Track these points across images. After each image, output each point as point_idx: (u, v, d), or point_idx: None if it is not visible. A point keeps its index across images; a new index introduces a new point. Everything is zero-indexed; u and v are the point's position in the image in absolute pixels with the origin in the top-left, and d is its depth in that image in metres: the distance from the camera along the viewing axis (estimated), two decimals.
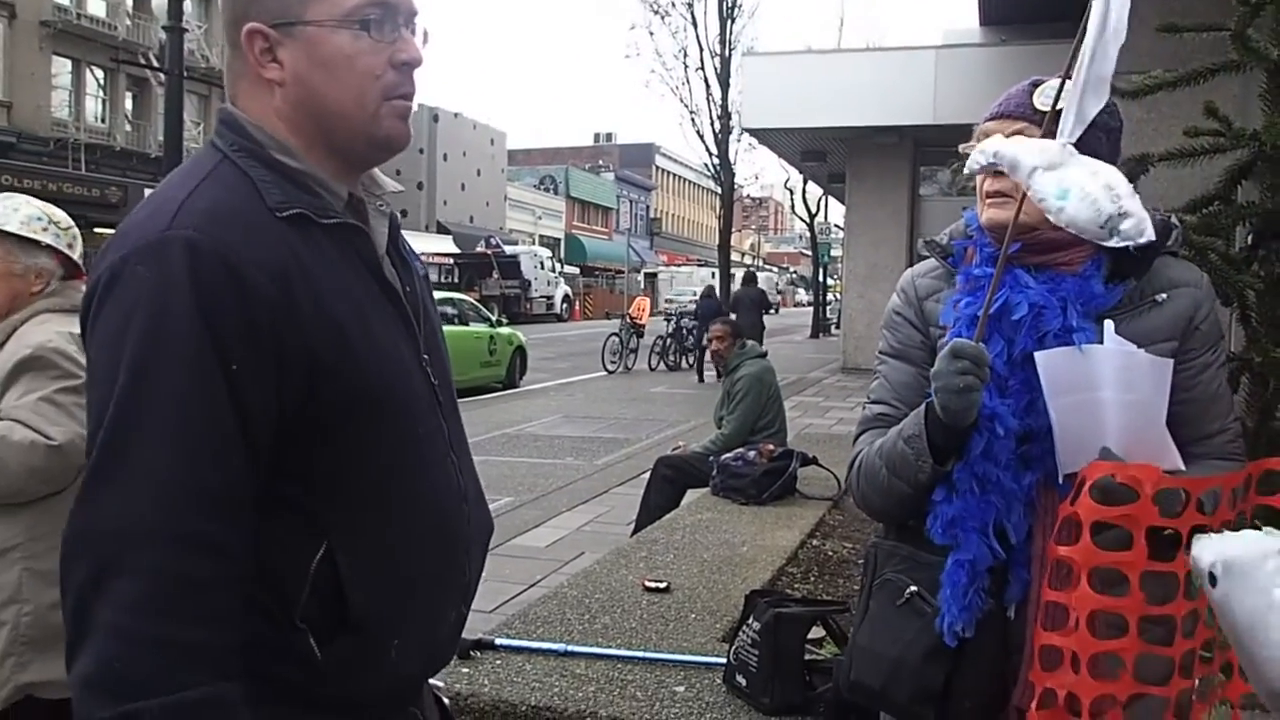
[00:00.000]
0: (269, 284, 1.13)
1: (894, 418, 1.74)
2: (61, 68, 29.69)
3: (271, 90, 1.24)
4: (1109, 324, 1.56)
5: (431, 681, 1.47)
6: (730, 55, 24.08)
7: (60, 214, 2.40)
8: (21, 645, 2.12)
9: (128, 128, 31.48)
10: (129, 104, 32.05)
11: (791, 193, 38.27)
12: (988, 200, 1.67)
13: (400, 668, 1.26)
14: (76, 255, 2.37)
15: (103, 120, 31.18)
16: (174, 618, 1.05)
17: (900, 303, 1.84)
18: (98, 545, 1.06)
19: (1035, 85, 1.69)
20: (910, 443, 1.63)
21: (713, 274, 36.37)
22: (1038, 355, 1.56)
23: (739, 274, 21.91)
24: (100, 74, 30.76)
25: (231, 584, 1.10)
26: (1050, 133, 1.60)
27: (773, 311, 21.90)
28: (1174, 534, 1.47)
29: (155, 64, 21.41)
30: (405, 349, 1.29)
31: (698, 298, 21.01)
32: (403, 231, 1.43)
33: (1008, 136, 1.65)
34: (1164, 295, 1.64)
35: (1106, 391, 1.53)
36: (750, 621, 2.78)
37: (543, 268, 43.13)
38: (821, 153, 19.84)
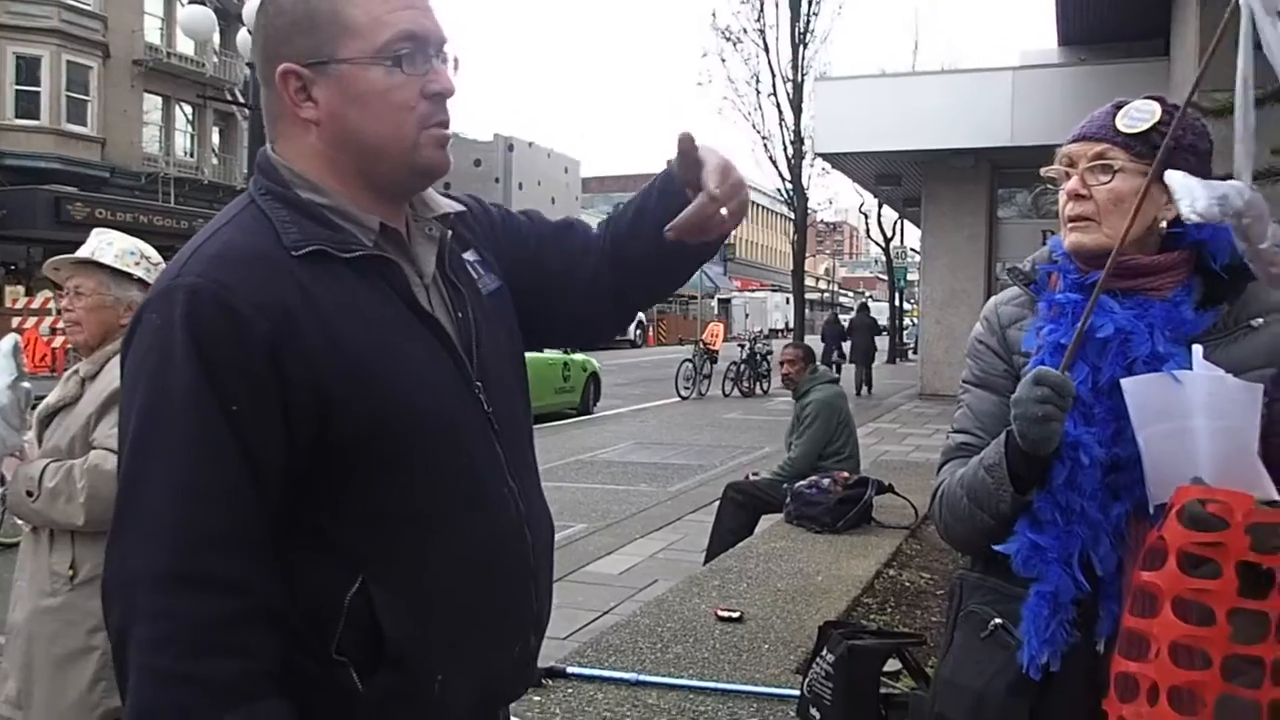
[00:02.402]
0: (266, 322, 1.14)
1: (977, 447, 1.70)
2: (152, 105, 30.78)
3: (308, 129, 1.26)
4: (1198, 349, 1.50)
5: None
6: (803, 80, 23.95)
7: (151, 250, 2.48)
8: (111, 671, 2.16)
9: (214, 161, 32.48)
10: (215, 138, 33.09)
11: (866, 217, 37.97)
12: (1070, 224, 1.63)
13: (447, 701, 1.24)
14: None
15: (191, 154, 32.21)
16: (186, 655, 1.08)
17: (983, 331, 1.80)
18: (122, 588, 1.12)
19: (1119, 107, 1.64)
20: (991, 471, 1.59)
21: (787, 299, 36.21)
22: (1125, 382, 1.51)
23: (809, 299, 21.81)
24: (189, 110, 31.82)
25: (250, 618, 1.11)
26: (1140, 154, 1.56)
27: (883, 335, 23.25)
28: (1268, 572, 1.40)
29: (240, 99, 22.09)
30: (443, 375, 1.27)
31: (826, 321, 23.54)
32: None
33: (1090, 160, 1.61)
34: (1260, 320, 1.58)
35: (1197, 419, 1.46)
36: (824, 653, 2.73)
37: None
38: (896, 176, 19.65)
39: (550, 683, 3.05)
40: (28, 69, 26.71)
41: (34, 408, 2.46)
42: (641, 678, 3.08)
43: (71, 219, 23.63)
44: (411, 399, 1.22)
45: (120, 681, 1.11)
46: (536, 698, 2.94)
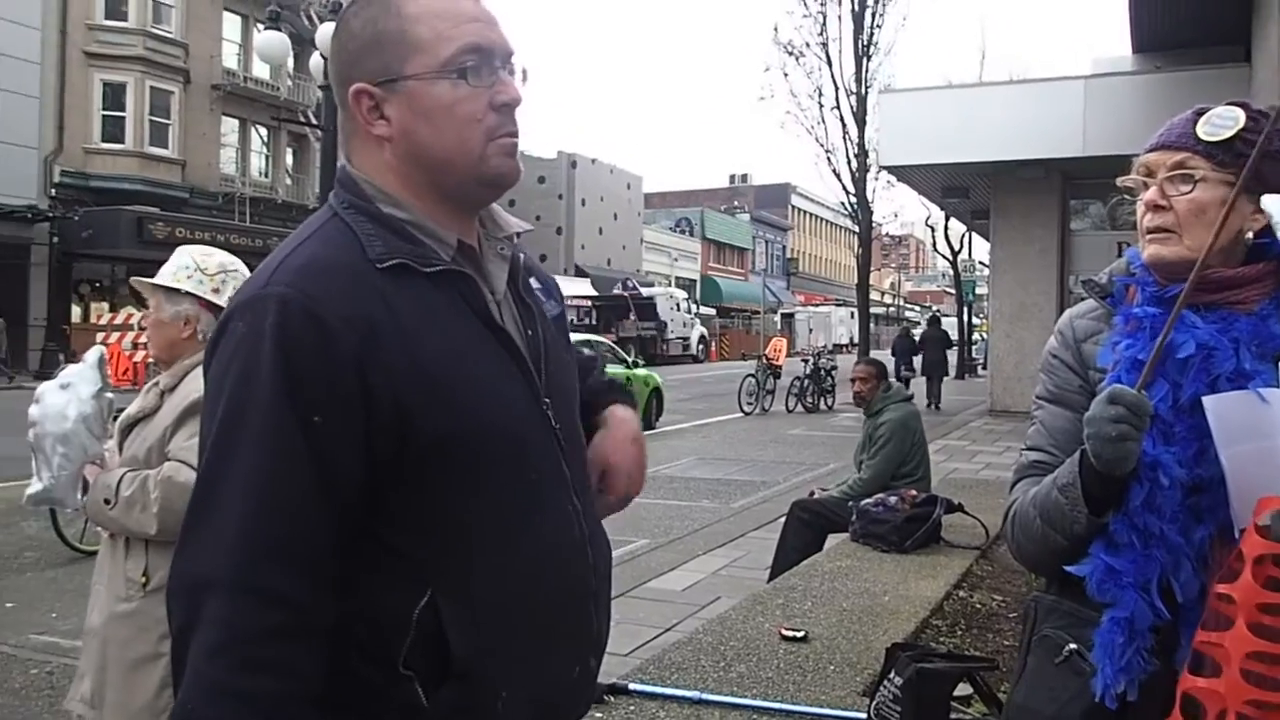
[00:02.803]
0: (354, 335, 1.15)
1: (1051, 466, 1.65)
2: (230, 127, 31.62)
3: (381, 145, 1.28)
4: None
5: None
6: (866, 93, 23.80)
7: (214, 261, 2.52)
8: None
9: (288, 181, 33.23)
10: (289, 159, 33.86)
11: (933, 230, 37.53)
12: (1149, 236, 1.58)
13: (509, 719, 1.23)
14: (223, 300, 2.48)
15: (266, 175, 33.00)
16: (238, 668, 1.08)
17: (1058, 345, 1.75)
18: (187, 591, 1.13)
19: (1199, 114, 1.59)
20: (1065, 492, 1.54)
21: (852, 314, 35.89)
22: (1207, 400, 1.45)
23: (880, 314, 21.72)
24: (264, 132, 32.60)
25: (303, 634, 1.12)
26: (1223, 163, 1.51)
27: (953, 348, 23.66)
28: None
29: (313, 121, 22.57)
30: (516, 392, 1.28)
31: (897, 336, 23.63)
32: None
33: (1169, 169, 1.56)
34: None
35: None
36: (891, 676, 2.67)
37: (679, 309, 43.38)
38: (963, 189, 19.39)
39: (613, 699, 3.03)
40: (113, 95, 27.64)
41: (116, 418, 2.53)
42: (704, 696, 3.05)
43: (153, 238, 24.36)
44: (487, 414, 1.23)
45: (176, 676, 1.13)
46: (599, 715, 2.93)
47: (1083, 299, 1.75)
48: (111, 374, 4.41)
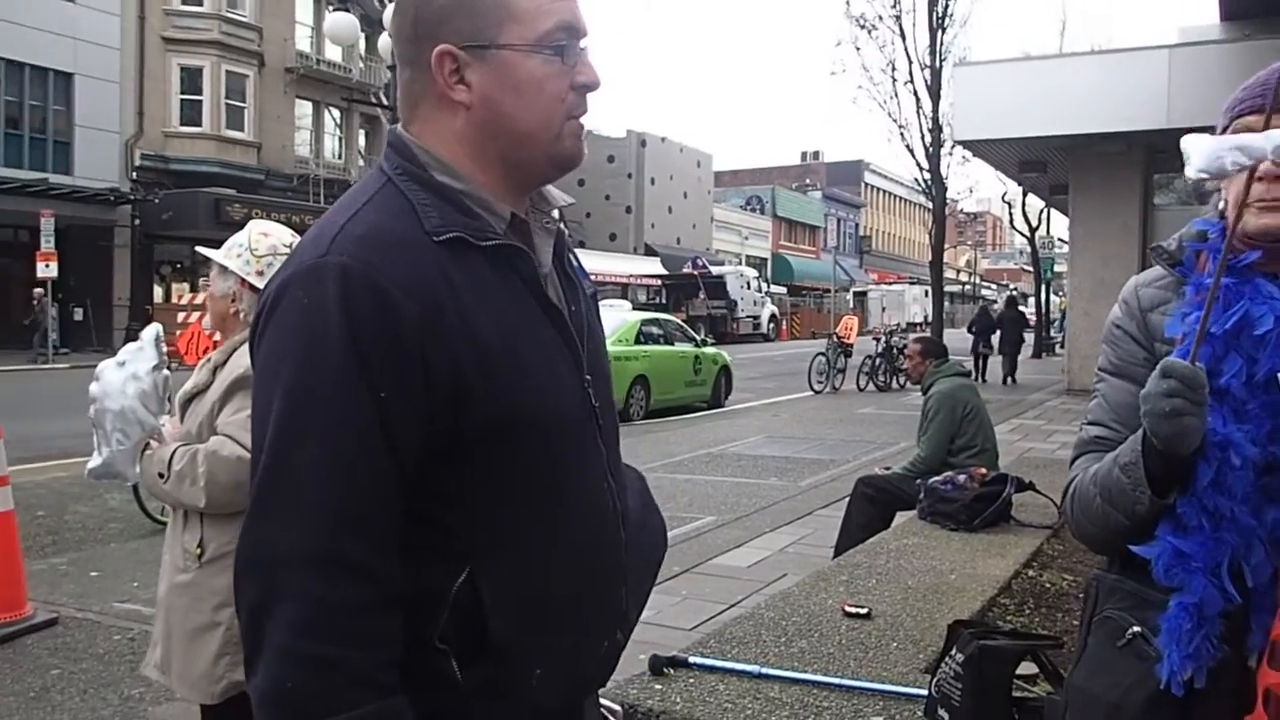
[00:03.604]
0: (417, 309, 1.13)
1: (1113, 441, 1.59)
2: (303, 110, 32.17)
3: (455, 111, 1.24)
4: None
5: (604, 703, 1.44)
6: (941, 66, 23.34)
7: (267, 243, 2.51)
8: (235, 645, 2.25)
9: (360, 162, 33.72)
10: (362, 140, 34.35)
11: (1010, 206, 36.76)
12: (1262, 204, 1.48)
13: (541, 698, 1.23)
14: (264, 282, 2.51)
15: (339, 156, 33.53)
16: (336, 640, 1.07)
17: (1121, 315, 1.69)
18: (262, 568, 1.10)
19: None
20: (1127, 471, 1.48)
21: (926, 292, 35.34)
22: None
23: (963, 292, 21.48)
24: (336, 114, 33.13)
25: (387, 604, 1.11)
26: None
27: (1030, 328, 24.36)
28: None
29: (384, 102, 22.84)
30: (564, 370, 1.27)
31: (976, 314, 24.27)
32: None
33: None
34: None
35: None
36: (953, 653, 2.63)
37: (749, 287, 43.17)
38: (1041, 163, 18.93)
39: (672, 672, 3.04)
40: (190, 79, 28.30)
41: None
42: (764, 670, 3.04)
43: (230, 219, 24.97)
44: (539, 394, 1.22)
45: (250, 656, 1.10)
46: (658, 686, 2.94)
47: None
48: (191, 353, 4.51)
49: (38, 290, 22.60)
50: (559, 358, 1.26)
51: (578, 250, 1.49)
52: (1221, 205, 1.59)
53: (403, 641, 1.13)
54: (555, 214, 1.37)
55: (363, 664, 1.08)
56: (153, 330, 2.49)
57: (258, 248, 2.49)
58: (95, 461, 2.43)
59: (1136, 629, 1.54)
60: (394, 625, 1.12)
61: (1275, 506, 1.42)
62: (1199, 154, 1.42)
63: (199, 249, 2.66)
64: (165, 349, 2.49)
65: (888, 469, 6.36)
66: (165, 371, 2.47)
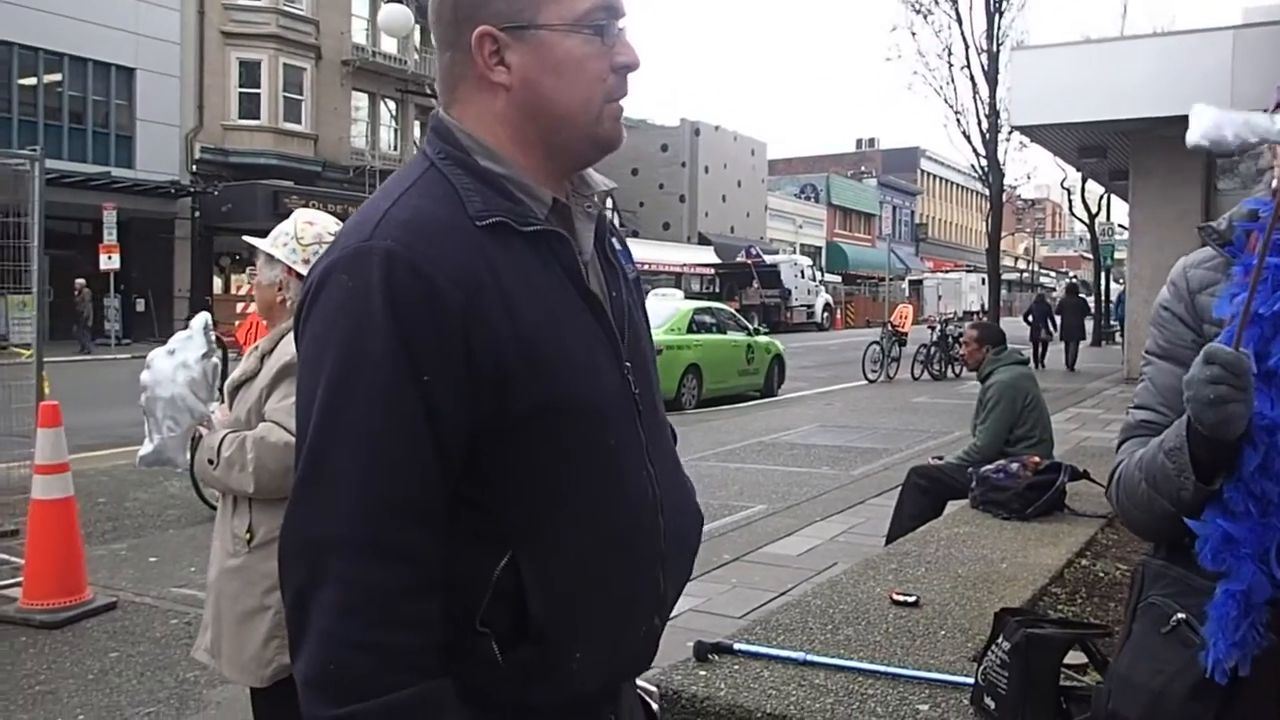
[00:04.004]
0: (461, 294, 1.13)
1: (1159, 425, 1.57)
2: (360, 101, 32.55)
3: (495, 93, 1.24)
4: None
5: (640, 684, 1.45)
6: (998, 51, 23.00)
7: (312, 231, 2.54)
8: (284, 629, 2.29)
9: (416, 153, 34.02)
10: (416, 131, 34.64)
11: (1069, 192, 36.11)
12: None
13: (579, 681, 1.23)
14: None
15: (394, 148, 33.86)
16: (379, 623, 1.08)
17: (1170, 296, 1.66)
18: (306, 552, 1.11)
19: None
20: (1171, 456, 1.46)
21: (983, 280, 34.87)
22: None
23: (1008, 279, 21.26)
24: (392, 106, 33.46)
25: (430, 587, 1.12)
26: None
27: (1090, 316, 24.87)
28: None
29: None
30: (602, 357, 1.27)
31: (1035, 300, 24.87)
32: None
33: None
34: None
35: None
36: (1000, 641, 2.60)
37: (803, 276, 42.90)
38: (1101, 148, 18.56)
39: (716, 658, 3.04)
40: (249, 73, 28.76)
41: (223, 381, 2.64)
42: (810, 657, 3.02)
43: (288, 211, 24.97)
44: (580, 382, 1.22)
45: (294, 640, 1.12)
46: (702, 672, 2.94)
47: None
48: (250, 342, 4.60)
49: (79, 281, 22.99)
50: (597, 344, 1.26)
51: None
52: (1276, 184, 1.56)
53: (444, 625, 1.14)
54: (596, 198, 1.36)
55: (406, 647, 1.09)
56: (201, 319, 2.54)
57: (303, 236, 2.52)
58: (146, 449, 2.47)
59: (1181, 615, 1.52)
60: (437, 609, 1.13)
61: None
62: (1202, 123, 1.40)
63: (245, 237, 2.70)
64: (214, 336, 2.53)
65: (940, 459, 6.29)
66: (215, 359, 2.51)
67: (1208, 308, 1.58)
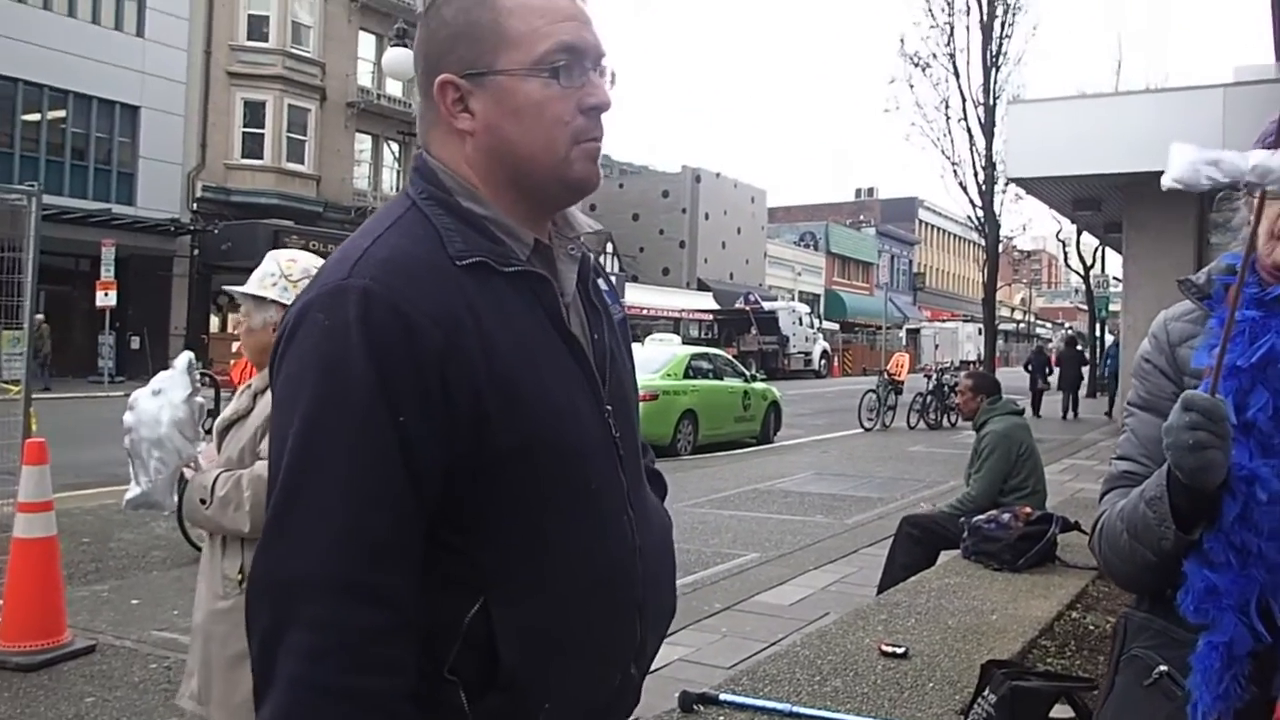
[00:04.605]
0: (439, 333, 1.12)
1: (1142, 476, 1.57)
2: (363, 143, 32.78)
3: (463, 139, 1.25)
4: None
5: None
6: (995, 104, 23.24)
7: (298, 267, 2.54)
8: None
9: None
10: None
11: (1064, 244, 36.30)
12: None
13: None
14: None
15: (396, 189, 33.99)
16: (350, 668, 1.05)
17: (1151, 349, 1.67)
18: (275, 593, 1.08)
19: None
20: (1152, 505, 1.46)
21: (979, 330, 34.98)
22: None
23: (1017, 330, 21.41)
24: (395, 147, 33.69)
25: (401, 632, 1.10)
26: None
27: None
28: None
29: None
30: (583, 400, 1.26)
31: (1033, 351, 26.58)
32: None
33: None
34: None
35: None
36: (986, 693, 2.59)
37: (801, 324, 43.01)
38: (1095, 200, 18.68)
39: (702, 709, 3.01)
40: (253, 113, 28.97)
41: (208, 421, 2.60)
42: (796, 709, 3.00)
43: None
44: (558, 424, 1.21)
45: (260, 686, 1.08)
46: None
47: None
48: (243, 379, 4.58)
49: (39, 316, 22.51)
50: (577, 387, 1.25)
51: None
52: (1247, 236, 1.58)
53: (417, 671, 1.11)
54: (583, 239, 1.36)
55: (377, 694, 1.06)
56: (185, 358, 2.50)
57: (291, 273, 2.51)
58: (134, 492, 2.43)
59: (1164, 668, 1.52)
60: (410, 654, 1.10)
61: None
62: (1177, 164, 1.42)
63: (225, 288, 2.68)
64: (199, 375, 2.51)
65: (933, 507, 6.27)
66: (200, 399, 2.48)
67: (1187, 360, 1.59)
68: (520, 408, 1.16)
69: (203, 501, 2.36)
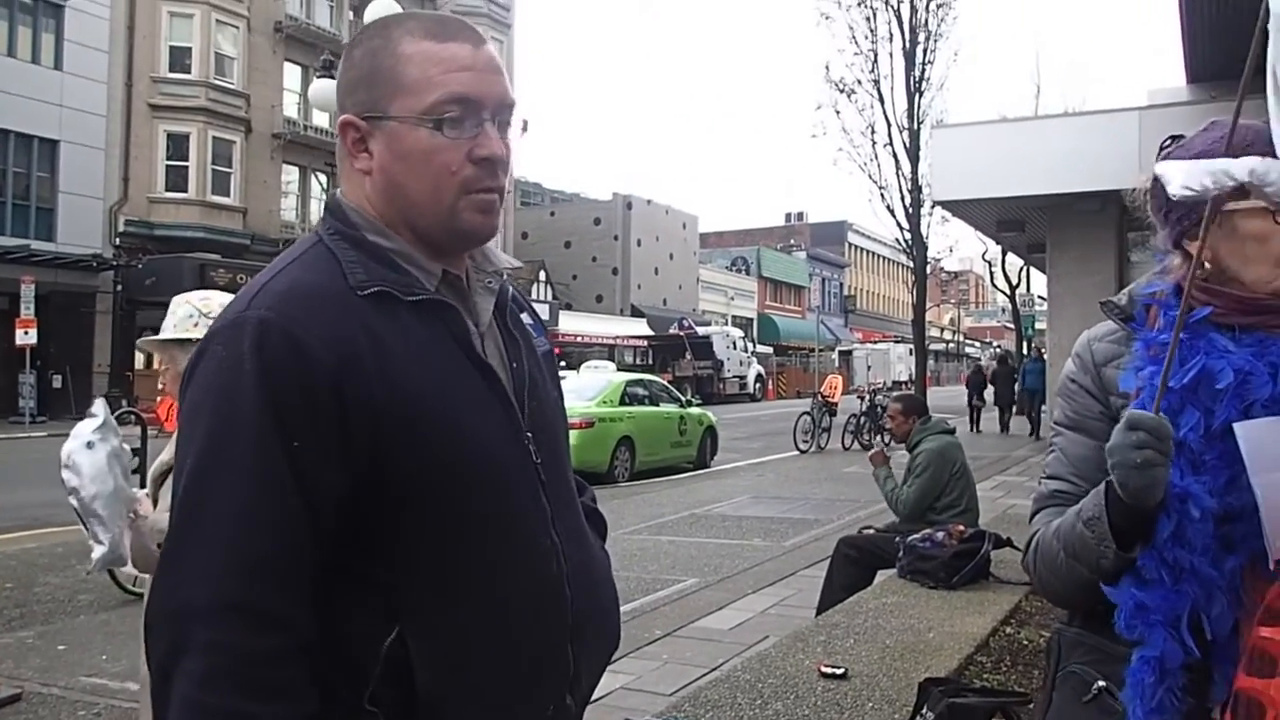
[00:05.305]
0: (332, 358, 1.13)
1: (1072, 495, 1.59)
2: (290, 174, 32.37)
3: (363, 178, 1.28)
4: None
5: None
6: (919, 129, 23.73)
7: (214, 303, 2.50)
8: None
9: None
10: None
11: (990, 265, 37.12)
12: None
13: None
14: None
15: None
16: (241, 692, 1.05)
17: (1076, 369, 1.70)
18: (169, 621, 1.09)
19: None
20: (1090, 525, 1.47)
21: (910, 350, 35.57)
22: (1237, 426, 1.39)
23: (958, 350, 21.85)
24: (323, 178, 33.31)
25: (296, 656, 1.09)
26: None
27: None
28: None
29: None
30: (496, 426, 1.26)
31: (971, 371, 28.50)
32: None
33: None
34: None
35: None
36: (924, 711, 2.61)
37: (735, 348, 43.28)
38: (1019, 222, 19.16)
39: None
40: (177, 145, 28.45)
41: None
42: None
43: (214, 284, 24.89)
44: (462, 444, 1.21)
45: (158, 709, 1.08)
46: None
47: None
48: (171, 419, 4.44)
49: None
50: (490, 413, 1.26)
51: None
52: (1169, 263, 1.62)
53: (318, 696, 1.10)
54: (503, 274, 1.38)
55: (276, 716, 1.06)
56: (102, 403, 2.39)
57: (210, 311, 2.48)
58: (99, 552, 2.27)
59: (1102, 683, 1.53)
60: (307, 678, 1.10)
61: (1233, 555, 1.42)
62: (1180, 176, 1.44)
63: (140, 342, 2.61)
64: (114, 418, 2.41)
65: (868, 529, 6.34)
66: (124, 445, 2.39)
67: (1114, 380, 1.61)
68: (425, 430, 1.17)
69: (159, 546, 2.26)
